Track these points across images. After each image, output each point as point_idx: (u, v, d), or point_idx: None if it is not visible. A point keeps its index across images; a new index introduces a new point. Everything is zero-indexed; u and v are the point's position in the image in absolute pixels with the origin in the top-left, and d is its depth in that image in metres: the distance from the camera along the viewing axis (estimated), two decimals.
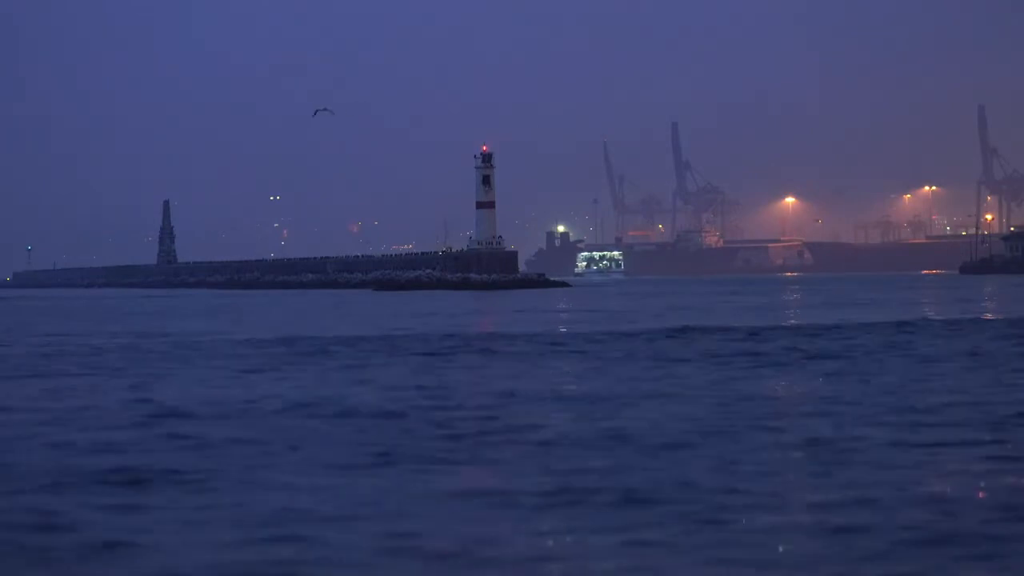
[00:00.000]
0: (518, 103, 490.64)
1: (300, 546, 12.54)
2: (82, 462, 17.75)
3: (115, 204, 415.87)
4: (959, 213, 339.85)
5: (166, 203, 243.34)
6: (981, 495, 14.62)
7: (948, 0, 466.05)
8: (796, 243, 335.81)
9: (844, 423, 20.71)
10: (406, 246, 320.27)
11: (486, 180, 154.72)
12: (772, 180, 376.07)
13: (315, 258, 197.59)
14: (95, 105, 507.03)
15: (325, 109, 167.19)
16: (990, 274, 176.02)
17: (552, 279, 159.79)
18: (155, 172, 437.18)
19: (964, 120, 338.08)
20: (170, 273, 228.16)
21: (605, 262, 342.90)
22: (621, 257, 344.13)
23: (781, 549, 12.18)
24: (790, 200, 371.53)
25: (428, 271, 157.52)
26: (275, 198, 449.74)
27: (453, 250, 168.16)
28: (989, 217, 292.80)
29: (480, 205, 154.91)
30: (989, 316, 59.44)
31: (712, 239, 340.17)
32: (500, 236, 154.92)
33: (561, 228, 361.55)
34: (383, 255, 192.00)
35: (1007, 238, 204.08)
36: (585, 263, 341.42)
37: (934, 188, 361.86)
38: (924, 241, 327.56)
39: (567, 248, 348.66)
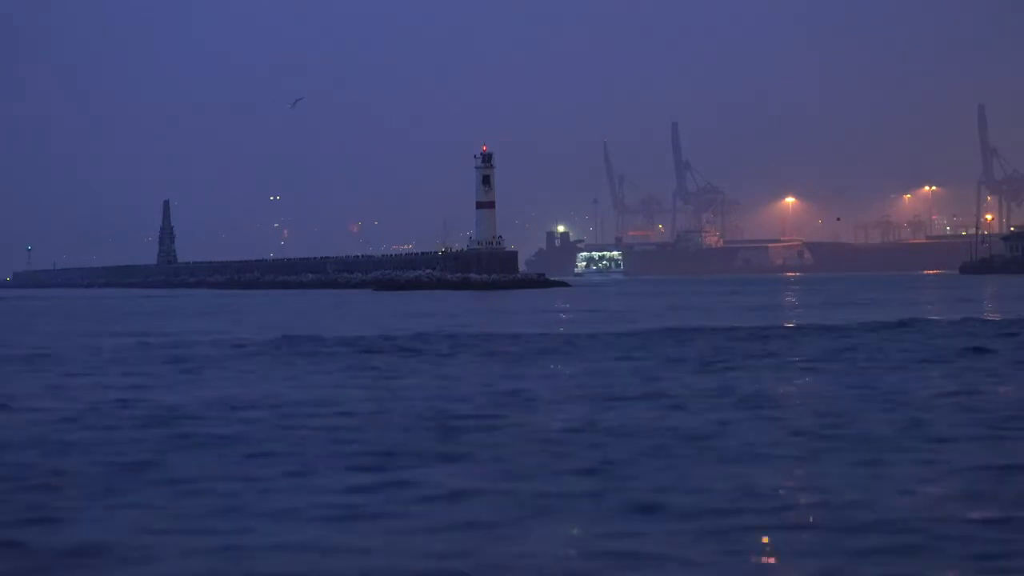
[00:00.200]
0: (518, 103, 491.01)
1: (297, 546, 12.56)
2: (82, 461, 17.76)
3: (115, 204, 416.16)
4: (959, 213, 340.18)
5: (166, 203, 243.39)
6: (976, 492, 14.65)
7: (948, 0, 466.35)
8: (796, 243, 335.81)
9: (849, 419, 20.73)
10: (406, 246, 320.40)
11: (486, 180, 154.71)
12: (772, 180, 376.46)
13: (315, 258, 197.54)
14: (95, 105, 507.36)
15: (301, 99, 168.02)
16: (990, 274, 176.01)
17: (552, 279, 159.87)
18: (155, 172, 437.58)
19: (964, 120, 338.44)
20: (170, 273, 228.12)
21: (605, 262, 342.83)
22: (621, 257, 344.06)
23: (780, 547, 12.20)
24: (790, 200, 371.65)
25: (428, 271, 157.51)
26: (275, 198, 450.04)
27: (453, 250, 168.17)
28: (989, 217, 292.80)
29: (480, 205, 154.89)
30: (994, 316, 59.42)
31: (712, 239, 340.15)
32: (500, 236, 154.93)
33: (561, 228, 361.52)
34: (383, 255, 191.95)
35: (1007, 238, 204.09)
36: (585, 263, 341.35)
37: (934, 188, 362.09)
38: (924, 241, 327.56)
39: (567, 248, 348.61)
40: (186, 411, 23.84)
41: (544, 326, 55.75)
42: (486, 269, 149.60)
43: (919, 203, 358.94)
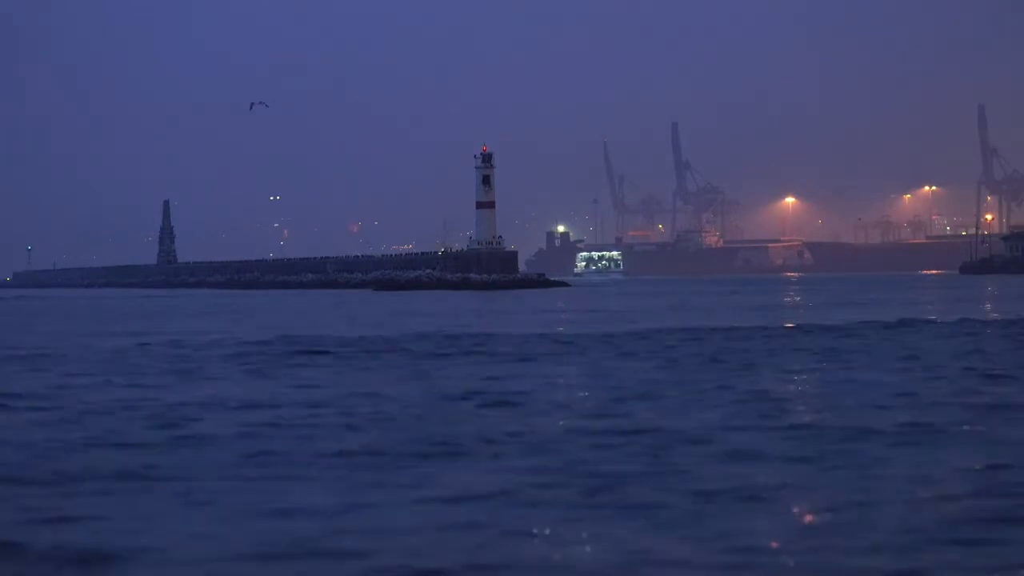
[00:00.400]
0: (518, 103, 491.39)
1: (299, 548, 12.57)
2: (84, 460, 17.77)
3: (115, 204, 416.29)
4: (959, 213, 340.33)
5: (166, 203, 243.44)
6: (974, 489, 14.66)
7: (948, 0, 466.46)
8: (796, 243, 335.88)
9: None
10: (406, 246, 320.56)
11: (486, 180, 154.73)
12: (772, 180, 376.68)
13: (315, 258, 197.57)
14: (95, 105, 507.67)
15: (261, 103, 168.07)
16: (990, 274, 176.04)
17: (552, 279, 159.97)
18: (155, 172, 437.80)
19: (964, 120, 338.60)
20: (170, 273, 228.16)
21: (604, 262, 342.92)
22: (620, 257, 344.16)
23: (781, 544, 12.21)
24: (790, 200, 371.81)
25: (428, 271, 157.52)
26: (275, 198, 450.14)
27: (453, 250, 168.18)
28: (989, 217, 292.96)
29: (480, 205, 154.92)
30: (995, 316, 59.44)
31: (712, 239, 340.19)
32: (500, 236, 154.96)
33: (561, 228, 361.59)
34: (383, 255, 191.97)
35: (1007, 238, 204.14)
36: (584, 263, 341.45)
37: (934, 188, 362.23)
38: (924, 241, 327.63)
39: (567, 248, 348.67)
40: (186, 411, 23.85)
41: (545, 326, 55.74)
42: (486, 269, 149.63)
43: (919, 203, 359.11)
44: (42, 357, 40.16)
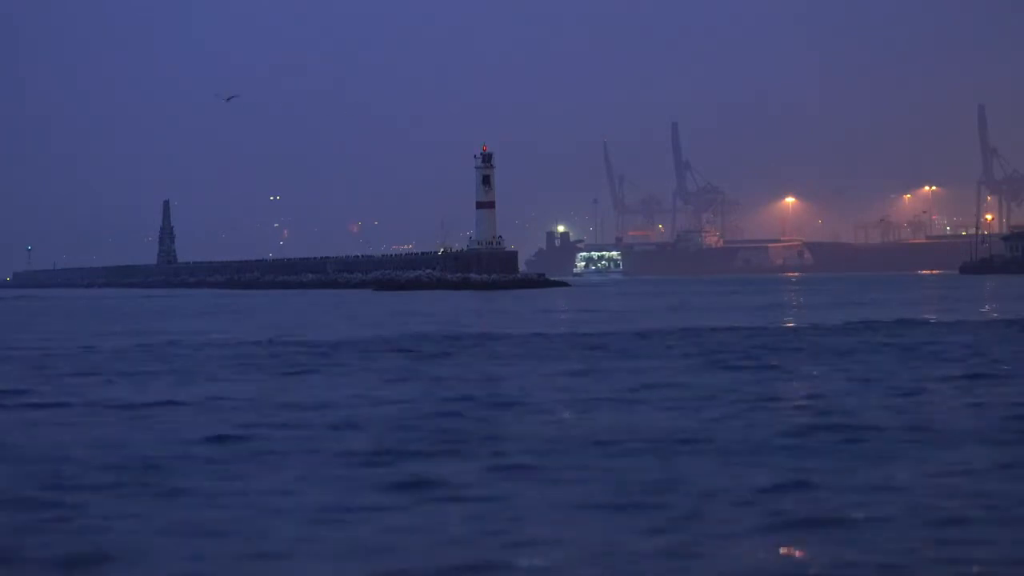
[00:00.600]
0: (518, 103, 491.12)
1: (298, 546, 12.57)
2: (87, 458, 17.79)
3: (115, 204, 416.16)
4: (959, 213, 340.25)
5: (166, 203, 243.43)
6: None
7: (948, 0, 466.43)
8: (796, 243, 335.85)
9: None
10: (406, 246, 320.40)
11: (486, 180, 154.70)
12: (772, 180, 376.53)
13: (315, 258, 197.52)
14: (95, 105, 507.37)
15: (234, 96, 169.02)
16: (990, 274, 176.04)
17: (552, 279, 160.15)
18: (155, 172, 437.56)
19: (964, 120, 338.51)
20: (170, 273, 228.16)
21: (604, 262, 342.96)
22: (620, 257, 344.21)
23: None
24: (790, 200, 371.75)
25: (428, 271, 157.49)
26: (275, 198, 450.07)
27: (453, 250, 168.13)
28: (989, 217, 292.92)
29: (480, 205, 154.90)
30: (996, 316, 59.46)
31: (712, 239, 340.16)
32: (500, 236, 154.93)
33: (561, 228, 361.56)
34: (383, 255, 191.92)
35: (1007, 238, 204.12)
36: (584, 263, 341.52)
37: (934, 188, 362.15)
38: (924, 241, 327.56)
39: (567, 248, 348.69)
40: (185, 411, 23.87)
41: (548, 326, 55.75)
42: (486, 269, 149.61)
43: (919, 203, 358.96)
44: (45, 357, 40.18)
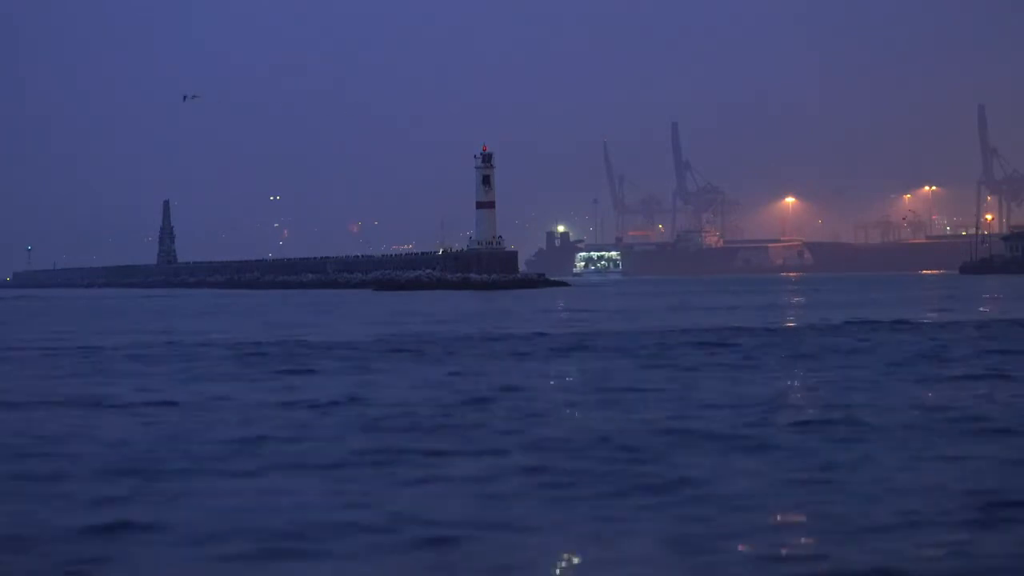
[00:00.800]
0: (518, 103, 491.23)
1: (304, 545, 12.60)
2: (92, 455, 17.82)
3: (115, 204, 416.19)
4: (959, 213, 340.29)
5: (166, 203, 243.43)
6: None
7: (948, 0, 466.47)
8: (796, 243, 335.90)
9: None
10: (406, 246, 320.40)
11: (486, 180, 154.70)
12: (772, 180, 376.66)
13: (315, 258, 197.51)
14: (95, 105, 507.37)
15: (195, 96, 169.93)
16: (990, 274, 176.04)
17: (552, 279, 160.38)
18: (155, 172, 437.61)
19: (964, 120, 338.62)
20: (170, 273, 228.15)
21: (603, 262, 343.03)
22: (619, 257, 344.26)
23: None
24: (790, 200, 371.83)
25: (428, 271, 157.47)
26: (275, 198, 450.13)
27: (453, 250, 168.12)
28: (989, 217, 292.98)
29: (480, 205, 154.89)
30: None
31: (712, 239, 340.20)
32: (500, 236, 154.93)
33: (561, 228, 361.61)
34: (383, 255, 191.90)
35: (1007, 238, 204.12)
36: (583, 263, 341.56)
37: (934, 188, 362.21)
38: (924, 241, 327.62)
39: (567, 248, 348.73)
40: (184, 409, 23.88)
41: (551, 326, 55.77)
42: (486, 269, 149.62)
43: (919, 203, 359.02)
44: (46, 357, 40.18)
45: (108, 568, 11.78)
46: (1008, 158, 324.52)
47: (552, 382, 28.81)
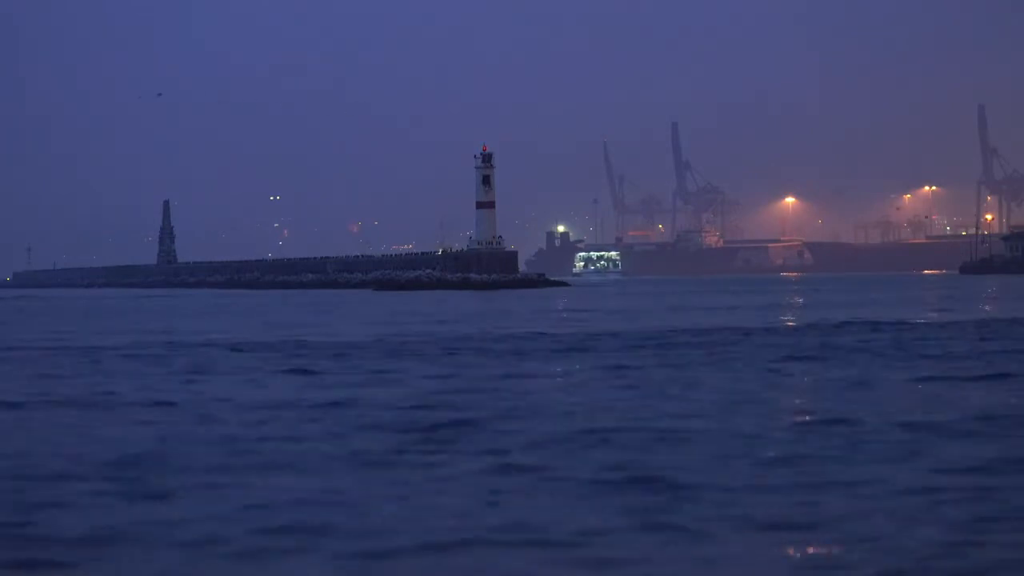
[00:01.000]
0: (518, 103, 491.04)
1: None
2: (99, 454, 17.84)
3: (115, 204, 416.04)
4: (959, 213, 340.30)
5: (166, 203, 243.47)
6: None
7: (948, 0, 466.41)
8: (796, 243, 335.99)
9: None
10: (406, 246, 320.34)
11: (486, 180, 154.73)
12: (772, 180, 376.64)
13: (315, 258, 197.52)
14: (95, 105, 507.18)
15: (159, 94, 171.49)
16: (990, 274, 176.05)
17: (552, 279, 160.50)
18: (155, 172, 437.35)
19: (964, 120, 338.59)
20: (170, 273, 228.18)
21: (603, 262, 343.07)
22: (618, 257, 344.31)
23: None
24: (790, 200, 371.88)
25: (428, 271, 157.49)
26: (275, 198, 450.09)
27: (453, 250, 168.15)
28: (989, 217, 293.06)
29: (480, 205, 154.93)
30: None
31: (712, 239, 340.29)
32: (500, 236, 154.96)
33: (561, 228, 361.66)
34: (383, 255, 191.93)
35: (1007, 238, 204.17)
36: (583, 263, 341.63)
37: (934, 188, 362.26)
38: (924, 241, 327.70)
39: (567, 248, 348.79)
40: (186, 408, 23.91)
41: (551, 325, 55.79)
42: (486, 269, 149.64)
43: (919, 203, 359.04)
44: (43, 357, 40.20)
45: (108, 568, 11.79)
46: (1008, 158, 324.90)
47: (552, 382, 28.84)
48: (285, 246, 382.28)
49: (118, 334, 54.10)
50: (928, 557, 11.67)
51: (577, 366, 33.01)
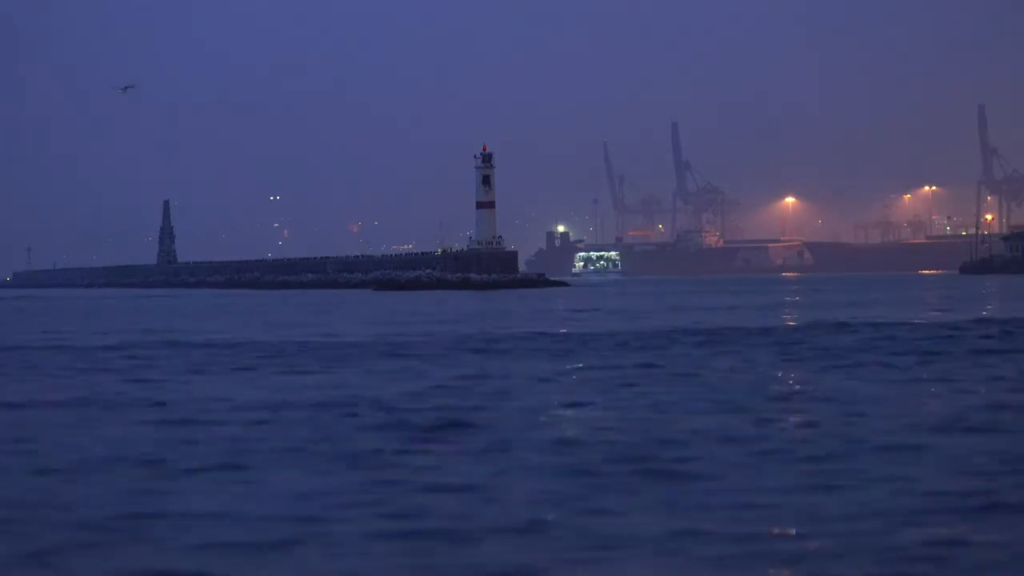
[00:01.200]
0: (518, 103, 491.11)
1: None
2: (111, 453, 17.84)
3: (115, 204, 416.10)
4: (959, 213, 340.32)
5: (166, 203, 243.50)
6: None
7: (948, 0, 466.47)
8: (796, 243, 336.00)
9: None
10: (406, 246, 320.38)
11: (486, 180, 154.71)
12: (772, 180, 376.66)
13: (315, 258, 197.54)
14: (95, 105, 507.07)
15: (131, 86, 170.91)
16: (990, 274, 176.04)
17: (552, 279, 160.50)
18: (155, 172, 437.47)
19: (964, 120, 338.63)
20: (170, 273, 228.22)
21: (603, 262, 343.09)
22: (619, 257, 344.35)
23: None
24: (790, 200, 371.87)
25: (428, 271, 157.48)
26: (275, 198, 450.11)
27: (453, 250, 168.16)
28: (989, 217, 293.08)
29: (480, 205, 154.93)
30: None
31: (712, 239, 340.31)
32: (500, 236, 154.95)
33: (561, 228, 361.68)
34: (383, 255, 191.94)
35: (1007, 238, 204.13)
36: (583, 263, 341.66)
37: (934, 188, 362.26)
38: (924, 241, 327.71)
39: (567, 248, 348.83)
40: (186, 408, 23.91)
41: (551, 325, 55.80)
42: (486, 269, 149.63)
43: (919, 203, 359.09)
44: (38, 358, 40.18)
45: (107, 567, 11.80)
46: (1008, 158, 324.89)
47: (552, 381, 28.83)
48: (285, 246, 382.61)
49: (118, 334, 54.11)
50: (928, 557, 11.69)
51: (579, 365, 33.04)
